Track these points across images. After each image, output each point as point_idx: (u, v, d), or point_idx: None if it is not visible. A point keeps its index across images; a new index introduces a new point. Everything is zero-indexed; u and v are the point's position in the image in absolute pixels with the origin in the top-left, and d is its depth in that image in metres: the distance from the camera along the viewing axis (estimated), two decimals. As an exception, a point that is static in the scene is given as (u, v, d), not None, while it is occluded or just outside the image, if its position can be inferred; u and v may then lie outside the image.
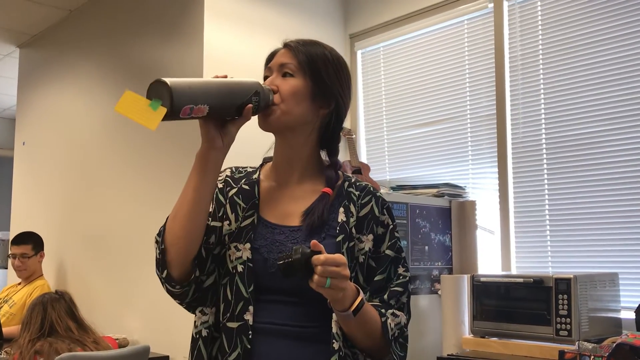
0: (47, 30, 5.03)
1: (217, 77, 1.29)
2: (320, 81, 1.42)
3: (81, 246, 4.37)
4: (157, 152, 3.71)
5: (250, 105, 1.31)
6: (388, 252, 1.43)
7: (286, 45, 1.44)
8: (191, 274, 1.35)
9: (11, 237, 4.54)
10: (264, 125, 1.40)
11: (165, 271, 1.34)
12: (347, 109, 1.48)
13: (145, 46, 3.92)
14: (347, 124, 3.98)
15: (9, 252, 4.28)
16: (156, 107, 1.16)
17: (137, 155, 3.89)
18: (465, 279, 2.96)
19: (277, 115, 1.38)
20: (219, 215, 1.42)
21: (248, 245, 1.37)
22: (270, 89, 1.38)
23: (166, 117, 1.17)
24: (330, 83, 1.43)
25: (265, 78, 1.45)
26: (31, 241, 4.25)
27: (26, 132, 5.24)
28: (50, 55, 5.02)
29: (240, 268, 1.36)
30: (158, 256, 1.35)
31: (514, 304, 2.71)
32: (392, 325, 1.37)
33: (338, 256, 1.22)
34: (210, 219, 1.40)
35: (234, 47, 3.50)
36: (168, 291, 1.37)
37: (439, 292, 3.18)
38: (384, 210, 1.46)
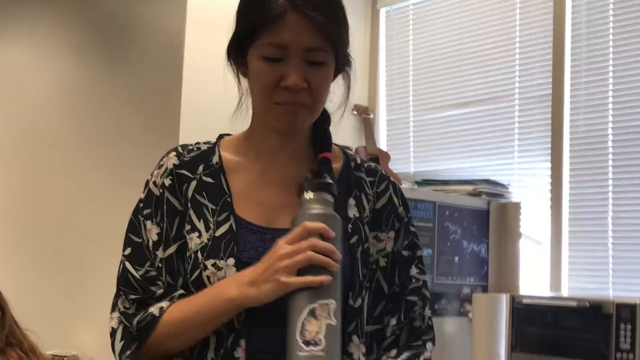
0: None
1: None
2: (341, 55, 1.37)
3: (22, 241, 4.39)
4: (138, 127, 3.72)
5: None
6: (405, 252, 1.44)
7: (306, 16, 1.29)
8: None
9: None
10: (290, 132, 1.38)
11: None
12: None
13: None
14: (363, 100, 3.98)
15: None
16: None
17: (112, 131, 3.89)
18: (504, 300, 2.97)
19: (308, 121, 1.38)
20: (174, 234, 1.37)
21: (232, 260, 1.32)
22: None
23: None
24: (347, 50, 1.39)
25: (261, 58, 1.32)
26: None
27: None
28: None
29: None
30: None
31: (564, 333, 2.72)
32: None
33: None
34: (162, 247, 1.37)
35: (225, 3, 3.51)
36: None
37: (470, 315, 3.18)
38: (401, 201, 1.47)
